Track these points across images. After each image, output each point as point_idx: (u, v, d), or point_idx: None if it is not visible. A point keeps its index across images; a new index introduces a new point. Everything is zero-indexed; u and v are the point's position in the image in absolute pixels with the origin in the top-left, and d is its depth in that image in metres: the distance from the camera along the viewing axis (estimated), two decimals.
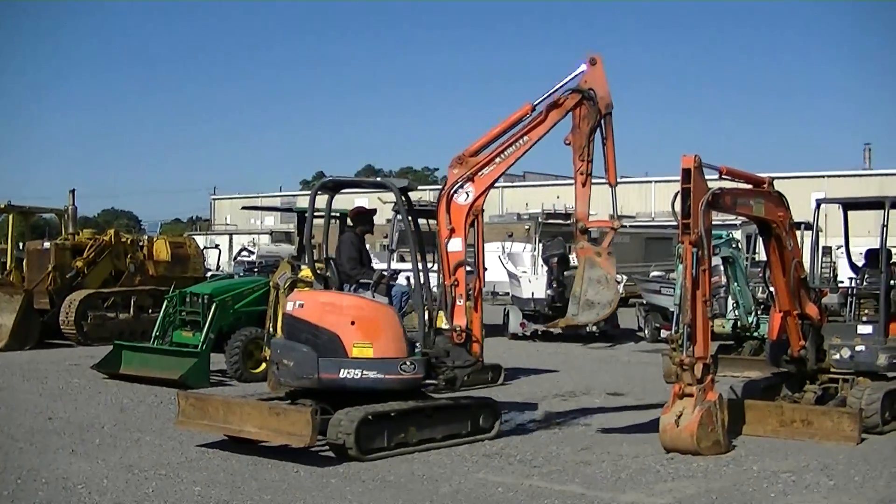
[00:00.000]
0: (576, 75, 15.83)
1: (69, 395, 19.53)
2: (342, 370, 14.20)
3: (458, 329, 14.94)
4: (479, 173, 15.31)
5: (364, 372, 14.26)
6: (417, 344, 14.77)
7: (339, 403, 13.99)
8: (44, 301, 29.66)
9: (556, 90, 15.75)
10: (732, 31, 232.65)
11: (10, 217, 33.93)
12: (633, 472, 13.13)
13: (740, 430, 15.33)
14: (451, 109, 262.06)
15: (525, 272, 34.21)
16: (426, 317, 14.98)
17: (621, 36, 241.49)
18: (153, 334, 22.92)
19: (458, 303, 15.02)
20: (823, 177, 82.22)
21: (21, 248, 33.51)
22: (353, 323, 14.41)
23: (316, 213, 15.67)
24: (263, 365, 20.90)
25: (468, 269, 15.42)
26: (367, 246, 16.57)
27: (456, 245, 15.09)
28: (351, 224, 16.13)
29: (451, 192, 15.12)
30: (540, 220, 45.22)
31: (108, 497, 11.64)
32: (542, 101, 15.64)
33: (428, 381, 15.03)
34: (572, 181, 16.79)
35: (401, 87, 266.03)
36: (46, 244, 31.29)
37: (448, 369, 14.98)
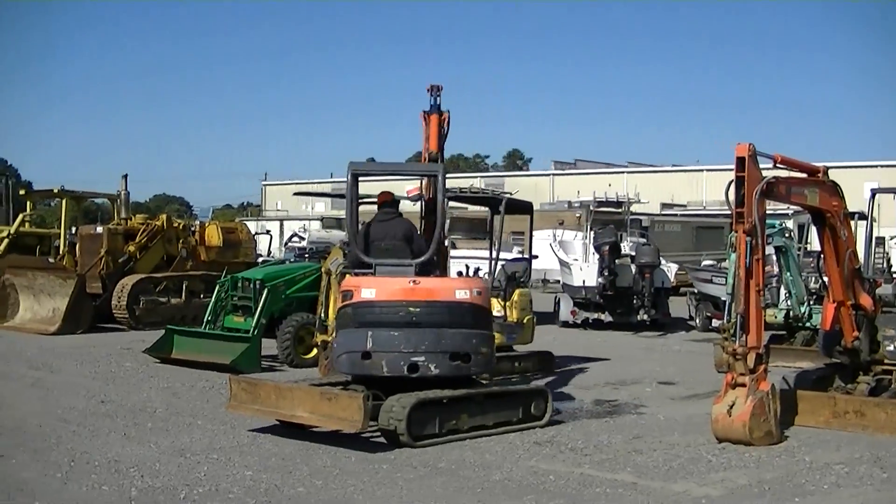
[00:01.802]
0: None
1: (121, 379, 19.66)
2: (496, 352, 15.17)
3: None
4: None
5: (496, 352, 15.37)
6: None
7: (390, 390, 14.03)
8: (96, 285, 29.83)
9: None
10: (784, 18, 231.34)
11: (64, 202, 34.19)
12: (685, 461, 13.08)
13: (792, 420, 15.22)
14: (501, 97, 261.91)
15: (576, 260, 34.10)
16: None
17: (676, 23, 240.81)
18: (205, 319, 23.01)
19: None
20: (877, 166, 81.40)
21: (74, 232, 33.68)
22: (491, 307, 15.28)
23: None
24: (314, 350, 20.96)
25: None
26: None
27: None
28: (391, 209, 16.01)
29: None
30: (591, 207, 44.96)
31: (160, 480, 11.71)
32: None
33: None
34: (624, 169, 17.28)
35: (452, 73, 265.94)
36: (99, 229, 31.46)
37: None
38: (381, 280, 14.66)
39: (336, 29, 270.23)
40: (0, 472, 11.99)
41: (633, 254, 33.06)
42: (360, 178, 15.23)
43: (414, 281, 14.57)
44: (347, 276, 15.41)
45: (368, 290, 14.51)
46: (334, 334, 15.03)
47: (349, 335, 14.50)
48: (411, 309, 14.36)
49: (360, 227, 15.70)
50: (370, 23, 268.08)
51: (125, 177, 34.23)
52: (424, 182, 16.80)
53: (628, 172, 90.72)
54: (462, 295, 14.50)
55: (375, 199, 16.15)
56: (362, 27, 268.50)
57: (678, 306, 34.55)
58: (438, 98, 17.09)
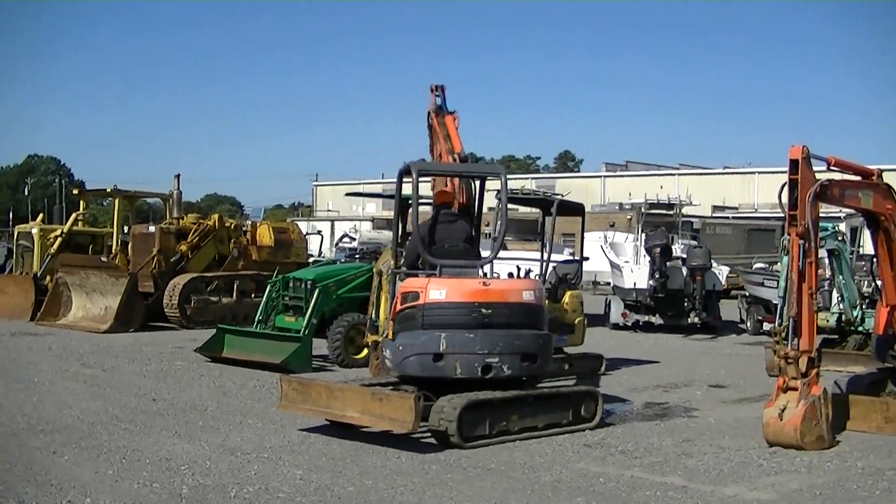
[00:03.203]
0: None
1: (172, 378, 19.77)
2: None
3: None
4: None
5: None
6: None
7: (441, 391, 14.03)
8: (148, 284, 30.07)
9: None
10: (837, 18, 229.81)
11: (116, 201, 34.49)
12: (736, 465, 13.01)
13: (844, 425, 15.10)
14: (553, 98, 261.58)
15: (627, 262, 34.05)
16: None
17: (729, 24, 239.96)
18: (256, 319, 23.12)
19: None
20: None
21: (126, 231, 33.95)
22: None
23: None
24: (365, 350, 21.00)
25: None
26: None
27: None
28: (452, 210, 16.02)
29: None
30: (642, 209, 44.93)
31: (210, 478, 11.75)
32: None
33: None
34: (675, 171, 17.22)
35: (501, 75, 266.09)
36: (151, 228, 31.75)
37: None
38: (450, 281, 14.55)
39: (387, 30, 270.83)
40: (54, 469, 12.08)
41: (685, 256, 33.00)
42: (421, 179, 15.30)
43: (484, 282, 14.58)
44: (409, 276, 15.14)
45: (438, 290, 14.34)
46: (389, 336, 14.88)
47: (417, 337, 14.31)
48: (484, 310, 14.32)
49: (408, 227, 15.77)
50: (420, 24, 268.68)
51: (178, 176, 34.56)
52: (457, 184, 16.81)
53: (680, 174, 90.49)
54: (528, 296, 14.65)
55: (430, 200, 16.17)
56: (412, 28, 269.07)
57: (729, 309, 34.45)
58: (443, 98, 17.26)
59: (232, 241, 32.84)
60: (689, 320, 31.70)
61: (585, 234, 22.40)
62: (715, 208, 75.56)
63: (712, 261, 32.88)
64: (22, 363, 21.37)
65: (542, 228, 20.79)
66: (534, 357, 14.51)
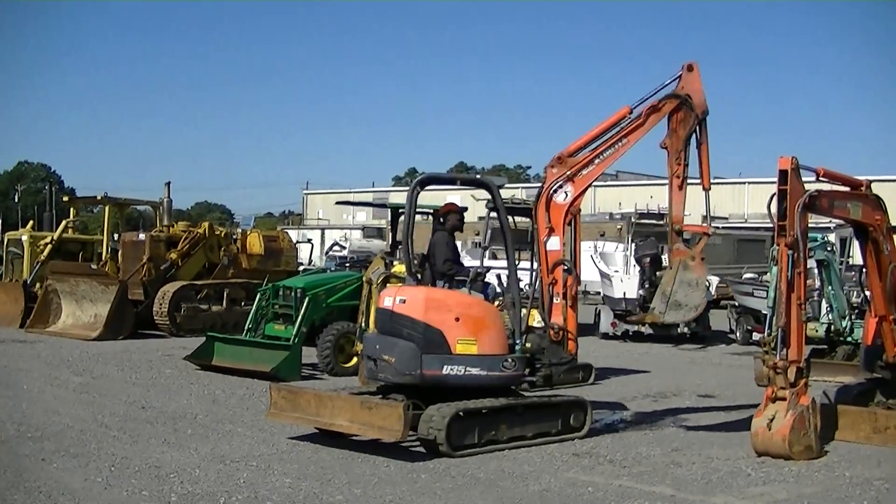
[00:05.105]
0: (673, 80, 16.41)
1: (162, 386, 19.76)
2: (445, 367, 14.14)
3: (555, 327, 15.18)
4: (579, 174, 15.67)
5: (467, 369, 14.25)
6: (517, 341, 14.87)
7: (431, 399, 14.03)
8: (138, 292, 30.05)
9: (654, 94, 16.24)
10: (830, 30, 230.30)
11: (106, 209, 34.39)
12: (724, 474, 13.03)
13: (833, 435, 15.12)
14: (545, 107, 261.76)
15: (617, 272, 34.09)
16: (521, 314, 15.14)
17: (718, 33, 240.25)
18: (246, 327, 23.10)
19: (555, 301, 15.26)
20: None
21: (116, 239, 33.94)
22: (457, 319, 14.33)
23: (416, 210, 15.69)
24: (355, 359, 21.03)
25: (564, 267, 15.47)
26: (458, 243, 16.49)
27: (554, 244, 15.52)
28: (441, 220, 16.05)
29: (551, 191, 15.36)
30: (633, 219, 44.95)
31: (199, 486, 11.75)
32: (639, 104, 16.08)
33: (527, 379, 15.21)
34: (666, 181, 16.98)
35: (494, 83, 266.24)
36: (141, 236, 31.78)
37: (545, 366, 15.30)
38: None
39: (376, 40, 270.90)
40: (43, 477, 12.07)
41: None
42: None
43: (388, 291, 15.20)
44: None
45: None
46: None
47: None
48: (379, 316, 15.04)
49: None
50: (410, 34, 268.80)
51: (168, 184, 34.53)
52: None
53: None
54: (387, 303, 14.63)
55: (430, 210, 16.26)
56: (402, 39, 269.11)
57: (719, 319, 34.45)
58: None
59: (222, 249, 32.82)
60: (679, 330, 31.66)
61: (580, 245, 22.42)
62: (704, 218, 75.37)
63: None
64: (11, 370, 21.35)
65: (532, 238, 20.74)
66: (374, 360, 14.62)
